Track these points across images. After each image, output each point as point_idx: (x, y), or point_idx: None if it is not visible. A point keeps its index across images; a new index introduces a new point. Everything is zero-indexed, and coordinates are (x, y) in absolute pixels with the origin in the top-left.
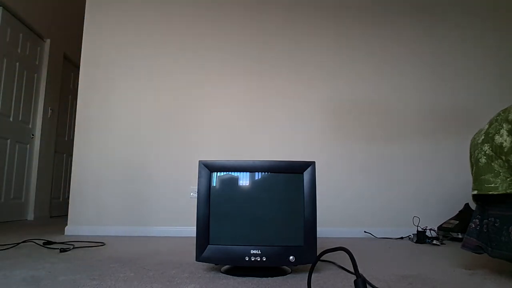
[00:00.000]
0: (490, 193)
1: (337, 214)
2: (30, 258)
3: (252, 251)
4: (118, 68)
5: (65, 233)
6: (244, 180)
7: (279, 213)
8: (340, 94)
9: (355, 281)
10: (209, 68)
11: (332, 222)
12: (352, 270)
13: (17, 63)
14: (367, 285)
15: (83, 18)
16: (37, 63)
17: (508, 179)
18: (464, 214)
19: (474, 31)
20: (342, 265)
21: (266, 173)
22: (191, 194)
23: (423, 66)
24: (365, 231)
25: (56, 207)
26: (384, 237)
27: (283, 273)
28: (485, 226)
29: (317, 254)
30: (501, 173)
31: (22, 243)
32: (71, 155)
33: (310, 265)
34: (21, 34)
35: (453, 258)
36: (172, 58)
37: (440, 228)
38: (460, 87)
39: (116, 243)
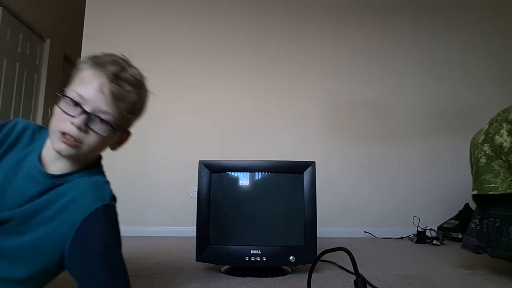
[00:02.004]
0: (490, 193)
1: (337, 214)
2: None
3: (252, 251)
4: None
5: None
6: (244, 180)
7: (279, 213)
8: (340, 94)
9: (355, 281)
10: (209, 68)
11: (332, 222)
12: (352, 270)
13: (17, 63)
14: (367, 285)
15: (83, 18)
16: (37, 63)
17: (508, 179)
18: (464, 214)
19: (474, 31)
20: (342, 265)
21: (266, 173)
22: (191, 194)
23: (423, 66)
24: (365, 231)
25: None
26: (384, 237)
27: (283, 273)
28: (485, 226)
29: (317, 254)
30: (501, 173)
31: None
32: None
33: (310, 265)
34: (21, 34)
35: (453, 258)
36: (172, 58)
37: (440, 228)
38: (460, 87)
39: None
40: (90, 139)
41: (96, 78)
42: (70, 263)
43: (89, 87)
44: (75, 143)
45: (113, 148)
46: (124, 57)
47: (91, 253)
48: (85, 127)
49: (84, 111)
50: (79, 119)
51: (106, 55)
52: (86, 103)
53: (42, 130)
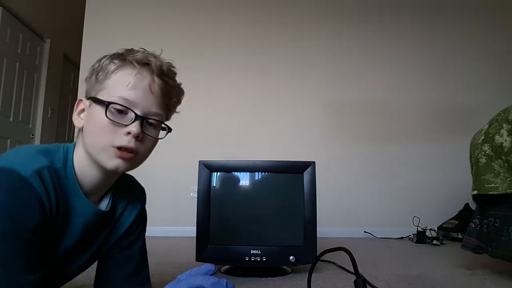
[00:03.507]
0: (490, 193)
1: (337, 214)
2: None
3: (252, 251)
4: None
5: None
6: (244, 180)
7: (279, 213)
8: (340, 94)
9: (355, 281)
10: (209, 68)
11: (332, 222)
12: (352, 270)
13: (17, 63)
14: (367, 285)
15: (83, 18)
16: (37, 63)
17: (508, 179)
18: (464, 214)
19: (475, 31)
20: (342, 265)
21: (266, 173)
22: (191, 194)
23: (424, 66)
24: (365, 231)
25: None
26: (384, 237)
27: (283, 273)
28: (485, 226)
29: (317, 254)
30: (501, 173)
31: None
32: None
33: (310, 265)
34: (21, 34)
35: (453, 258)
36: (172, 57)
37: (440, 228)
38: (460, 87)
39: None
40: (146, 146)
41: (142, 77)
42: (109, 253)
43: (136, 89)
44: (132, 155)
45: None
46: (146, 50)
47: (136, 245)
48: (142, 135)
49: (138, 116)
50: (136, 126)
51: (131, 50)
52: (135, 107)
53: (53, 161)
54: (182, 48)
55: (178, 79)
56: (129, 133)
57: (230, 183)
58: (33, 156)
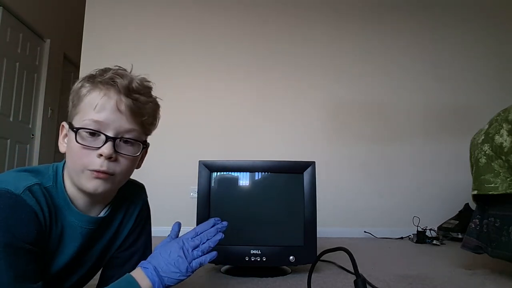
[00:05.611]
0: (490, 193)
1: (337, 214)
2: None
3: (252, 251)
4: None
5: None
6: (244, 180)
7: (279, 213)
8: (340, 94)
9: (355, 281)
10: (209, 68)
11: (332, 222)
12: (352, 270)
13: (17, 63)
14: (367, 285)
15: (83, 18)
16: (37, 63)
17: (508, 179)
18: (464, 214)
19: (474, 31)
20: (342, 265)
21: (266, 173)
22: (191, 194)
23: (424, 66)
24: (365, 231)
25: None
26: (384, 237)
27: (283, 273)
28: (485, 226)
29: (317, 254)
30: (501, 173)
31: None
32: None
33: (310, 265)
34: (21, 34)
35: (453, 258)
36: (172, 58)
37: (440, 228)
38: (460, 87)
39: None
40: (122, 166)
41: (108, 98)
42: (114, 253)
43: (104, 110)
44: (108, 175)
45: (139, 166)
46: (121, 68)
47: (139, 241)
48: (115, 155)
49: (108, 137)
50: (107, 148)
51: (104, 70)
52: (106, 128)
53: (42, 180)
54: (182, 48)
55: (178, 79)
56: (101, 155)
57: (230, 183)
58: (23, 176)
